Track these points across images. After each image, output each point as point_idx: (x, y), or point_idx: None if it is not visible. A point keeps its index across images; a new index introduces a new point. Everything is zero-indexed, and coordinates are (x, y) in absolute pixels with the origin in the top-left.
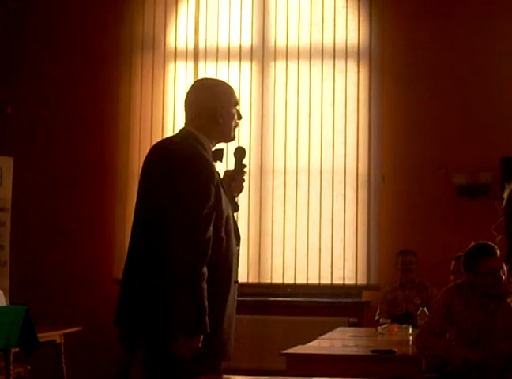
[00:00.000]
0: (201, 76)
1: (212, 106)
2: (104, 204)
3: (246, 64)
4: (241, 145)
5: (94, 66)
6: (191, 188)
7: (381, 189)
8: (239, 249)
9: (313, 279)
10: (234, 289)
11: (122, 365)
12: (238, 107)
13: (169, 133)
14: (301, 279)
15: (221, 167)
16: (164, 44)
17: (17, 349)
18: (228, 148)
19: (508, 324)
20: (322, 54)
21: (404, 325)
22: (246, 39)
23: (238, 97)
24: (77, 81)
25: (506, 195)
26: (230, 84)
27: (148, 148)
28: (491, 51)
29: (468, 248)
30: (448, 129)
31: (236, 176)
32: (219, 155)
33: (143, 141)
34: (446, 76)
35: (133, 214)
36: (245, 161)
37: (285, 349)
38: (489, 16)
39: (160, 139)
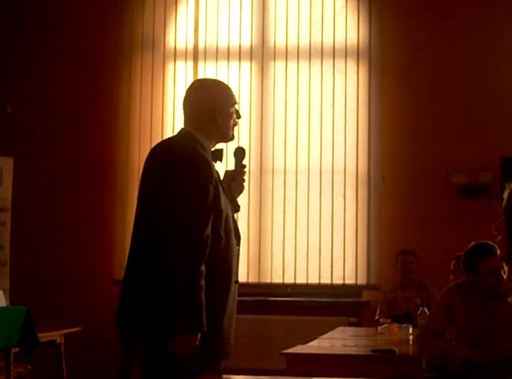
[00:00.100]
0: (200, 76)
1: (211, 106)
2: (104, 204)
3: (245, 64)
4: (241, 145)
5: (94, 66)
6: (190, 188)
7: (381, 189)
8: (239, 249)
9: (313, 279)
10: (234, 288)
11: (122, 365)
12: (236, 107)
13: (169, 132)
14: (301, 279)
15: (221, 167)
16: (164, 44)
17: (18, 349)
18: (228, 148)
19: (508, 323)
20: (322, 53)
21: (405, 325)
22: (246, 38)
23: (236, 97)
24: (77, 81)
25: (506, 195)
26: (229, 83)
27: (148, 148)
28: (491, 51)
29: (468, 248)
30: (448, 128)
31: (236, 176)
32: (218, 155)
33: (143, 141)
34: (445, 76)
35: (133, 213)
36: (245, 161)
37: (285, 349)
38: (489, 16)
39: (160, 139)
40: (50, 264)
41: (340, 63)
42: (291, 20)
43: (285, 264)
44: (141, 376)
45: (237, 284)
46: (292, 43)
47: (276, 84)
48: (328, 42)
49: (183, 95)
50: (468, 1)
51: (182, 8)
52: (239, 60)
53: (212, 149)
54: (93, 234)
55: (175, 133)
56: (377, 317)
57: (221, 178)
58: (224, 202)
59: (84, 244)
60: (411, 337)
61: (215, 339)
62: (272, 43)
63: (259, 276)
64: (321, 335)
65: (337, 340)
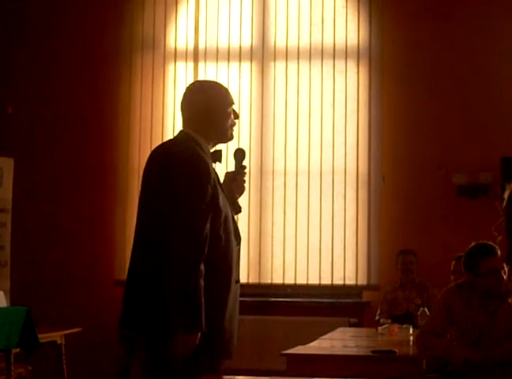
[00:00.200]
0: (201, 76)
1: (208, 107)
2: (104, 204)
3: (245, 64)
4: (241, 147)
5: (94, 67)
6: (188, 188)
7: (381, 190)
8: (239, 249)
9: (313, 280)
10: (235, 288)
11: (122, 365)
12: (234, 107)
13: (169, 133)
14: (301, 280)
15: (221, 169)
16: (164, 44)
17: (18, 350)
18: (228, 150)
19: (509, 324)
20: (322, 54)
21: (405, 325)
22: (246, 39)
23: (236, 97)
24: (77, 82)
25: (506, 195)
26: (229, 84)
27: (149, 148)
28: (491, 51)
29: (468, 248)
30: (448, 129)
31: (237, 177)
32: (218, 156)
33: (143, 142)
34: (445, 76)
35: (133, 214)
36: (245, 162)
37: (285, 349)
38: (489, 16)
39: (160, 139)
40: (51, 265)
41: (340, 63)
42: (292, 20)
43: (286, 265)
44: (141, 376)
45: (238, 284)
46: (292, 43)
47: (277, 84)
48: (328, 42)
49: (181, 97)
50: (468, 2)
51: (182, 8)
52: (240, 60)
53: (212, 150)
54: (93, 234)
55: (175, 133)
56: (377, 318)
57: (220, 178)
58: (223, 202)
59: (85, 244)
60: (411, 338)
61: (216, 339)
62: (273, 44)
63: (259, 277)
64: (321, 335)
65: (338, 341)
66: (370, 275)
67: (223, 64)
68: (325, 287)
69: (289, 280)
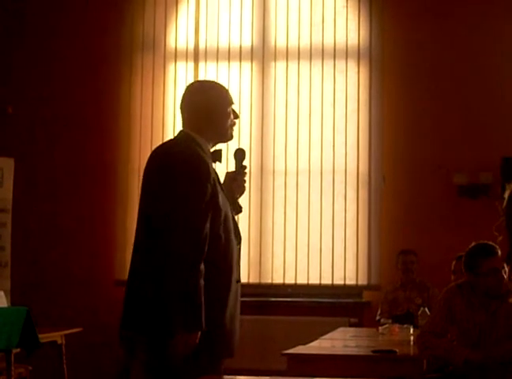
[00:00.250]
0: (201, 76)
1: (207, 107)
2: (105, 204)
3: (246, 64)
4: (241, 147)
5: (94, 67)
6: (187, 187)
7: (381, 189)
8: (239, 248)
9: (314, 280)
10: (236, 287)
11: (123, 365)
12: (233, 106)
13: (169, 133)
14: (302, 280)
15: (222, 169)
16: (165, 45)
17: (19, 350)
18: (229, 149)
19: (509, 324)
20: (323, 54)
21: (405, 325)
22: (247, 39)
23: (236, 97)
24: (77, 82)
25: (506, 195)
26: (230, 84)
27: (149, 148)
28: (492, 51)
29: (468, 248)
30: (448, 128)
31: (237, 177)
32: (218, 156)
33: (143, 142)
34: (446, 76)
35: (133, 214)
36: (245, 162)
37: (286, 349)
38: (489, 16)
39: (161, 139)
40: (51, 265)
41: (340, 63)
42: (292, 20)
43: (286, 265)
44: (142, 377)
45: (239, 283)
46: (293, 43)
47: (277, 84)
48: (328, 42)
49: (180, 97)
50: (468, 1)
51: (182, 8)
52: (240, 60)
53: (212, 150)
54: (94, 234)
55: (176, 133)
56: (378, 318)
57: (220, 178)
58: (223, 201)
59: (85, 245)
60: (412, 337)
61: (216, 338)
62: (273, 44)
63: (260, 277)
64: (322, 335)
65: (338, 341)
66: (371, 275)
67: (223, 64)
68: (326, 286)
69: (290, 280)
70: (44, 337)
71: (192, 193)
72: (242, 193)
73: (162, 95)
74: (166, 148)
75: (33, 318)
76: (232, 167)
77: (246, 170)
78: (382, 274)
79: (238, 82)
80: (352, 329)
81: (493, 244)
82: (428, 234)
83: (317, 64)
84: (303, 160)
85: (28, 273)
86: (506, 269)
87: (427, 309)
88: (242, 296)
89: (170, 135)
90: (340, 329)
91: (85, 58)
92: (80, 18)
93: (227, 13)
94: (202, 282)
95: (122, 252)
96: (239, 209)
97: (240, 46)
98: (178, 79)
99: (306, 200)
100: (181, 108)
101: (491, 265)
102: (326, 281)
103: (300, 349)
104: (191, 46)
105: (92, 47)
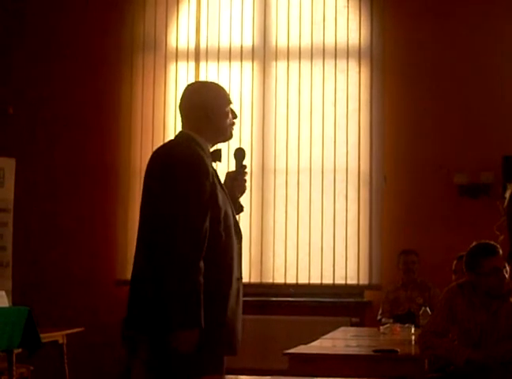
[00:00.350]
0: (202, 76)
1: (205, 107)
2: (106, 205)
3: (247, 64)
4: (241, 146)
5: (95, 67)
6: (187, 187)
7: (382, 189)
8: (240, 247)
9: (315, 279)
10: (237, 285)
11: (125, 365)
12: (231, 106)
13: (170, 133)
14: (303, 279)
15: (222, 168)
16: (165, 44)
17: (20, 350)
18: (229, 149)
19: (510, 323)
20: (324, 53)
21: (407, 325)
22: (248, 39)
23: (236, 97)
24: (78, 82)
25: (507, 194)
26: (231, 84)
27: (150, 148)
28: (493, 51)
29: (470, 247)
30: (449, 128)
31: (237, 176)
32: (217, 155)
33: (144, 142)
34: (447, 75)
35: (134, 214)
36: (246, 161)
37: (287, 349)
38: (490, 16)
39: (162, 139)
40: (52, 265)
41: (341, 63)
42: (293, 20)
43: (287, 264)
44: (143, 376)
45: (240, 281)
46: (294, 43)
47: (278, 84)
48: (329, 42)
49: (179, 99)
50: (469, 1)
51: (183, 8)
52: (241, 60)
53: (211, 149)
54: (95, 234)
55: (177, 133)
56: (379, 317)
57: (219, 176)
58: (223, 199)
59: (86, 245)
60: (413, 337)
61: (217, 335)
62: (274, 43)
63: (261, 276)
64: (323, 335)
65: (339, 340)
66: (372, 275)
67: (224, 64)
68: (327, 286)
69: (291, 280)
70: (45, 337)
71: (191, 192)
72: (243, 192)
73: (163, 94)
74: (166, 148)
75: (35, 318)
76: (233, 167)
77: (247, 170)
78: (383, 274)
79: (239, 82)
80: (353, 329)
81: (494, 243)
82: (429, 234)
83: (318, 63)
84: (304, 159)
85: (30, 273)
86: (508, 269)
87: (428, 309)
88: (243, 296)
89: (171, 135)
90: (342, 329)
91: (86, 58)
92: (80, 18)
93: (228, 12)
94: (201, 279)
95: (123, 252)
96: (240, 209)
97: (241, 46)
98: (179, 79)
99: (307, 200)
100: (180, 109)
101: (493, 265)
102: (328, 281)
103: (302, 349)
104: (192, 46)
105: (92, 47)
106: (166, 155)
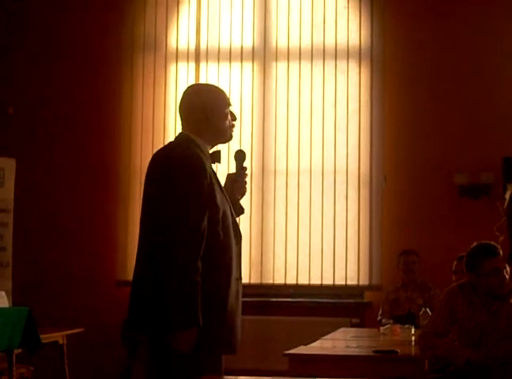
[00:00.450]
0: (202, 76)
1: (204, 109)
2: (106, 205)
3: (247, 65)
4: (241, 148)
5: (95, 67)
6: (185, 188)
7: (383, 190)
8: (240, 247)
9: (315, 280)
10: (236, 285)
11: (124, 365)
12: (231, 108)
13: (171, 133)
14: (303, 280)
15: (223, 170)
16: (166, 45)
17: (20, 350)
18: (230, 151)
19: (511, 324)
20: (324, 54)
21: (407, 326)
22: (248, 39)
23: (230, 98)
24: (78, 82)
25: (507, 195)
26: (231, 84)
27: (150, 149)
28: (493, 51)
29: (470, 248)
30: (450, 129)
31: (238, 178)
32: (217, 157)
33: (145, 142)
34: (447, 76)
35: (135, 214)
36: (246, 162)
37: (287, 349)
38: (490, 16)
39: (162, 139)
40: (53, 265)
41: (342, 64)
42: (293, 20)
43: (287, 265)
44: (143, 376)
45: (239, 281)
46: (294, 43)
47: (278, 84)
48: (330, 42)
49: (179, 101)
50: (469, 1)
51: (183, 9)
52: (241, 61)
53: (211, 151)
54: (95, 235)
55: (177, 134)
56: (379, 318)
57: (220, 178)
58: (221, 199)
59: (86, 245)
60: (413, 338)
61: (216, 335)
62: (274, 44)
63: (261, 277)
64: (323, 335)
65: (339, 341)
66: (372, 276)
67: (224, 64)
68: (327, 287)
69: (291, 280)
70: (46, 337)
71: (190, 194)
72: (243, 194)
73: (163, 95)
74: (166, 151)
75: (35, 318)
76: (233, 168)
77: (247, 171)
78: (383, 274)
79: (239, 82)
80: (353, 329)
81: (495, 244)
82: (429, 235)
83: (318, 64)
84: (304, 160)
85: (30, 273)
86: (508, 269)
87: (428, 310)
88: (243, 296)
89: (171, 135)
90: (342, 329)
91: (86, 58)
92: (80, 18)
93: (228, 13)
94: (199, 279)
95: (124, 252)
96: (240, 211)
97: (241, 47)
98: (179, 79)
99: (307, 201)
100: (179, 111)
101: (493, 265)
102: (328, 281)
103: (302, 349)
104: (192, 47)
105: (92, 47)
106: (165, 157)
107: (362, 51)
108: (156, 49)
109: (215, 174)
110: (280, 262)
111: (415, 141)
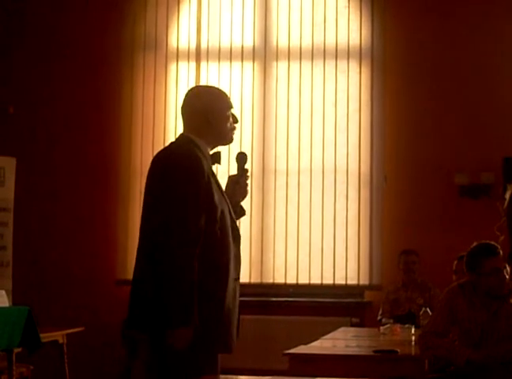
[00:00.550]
0: (203, 76)
1: (206, 110)
2: (106, 204)
3: (248, 64)
4: (243, 150)
5: (96, 67)
6: (183, 189)
7: (383, 189)
8: (239, 247)
9: (315, 279)
10: (234, 285)
11: (124, 365)
12: (232, 110)
13: (171, 133)
14: (303, 279)
15: (223, 171)
16: (166, 44)
17: (20, 349)
18: (230, 152)
19: (511, 324)
20: (324, 54)
21: (407, 325)
22: (248, 39)
23: (237, 98)
24: (78, 82)
25: (507, 195)
26: (231, 84)
27: (151, 148)
28: (493, 51)
29: (470, 248)
30: (450, 128)
31: (239, 180)
32: (217, 158)
33: (145, 142)
34: (447, 75)
35: (135, 214)
36: (247, 163)
37: (288, 349)
38: (491, 16)
39: (162, 139)
40: (53, 265)
41: (342, 63)
42: (294, 20)
43: (287, 265)
44: (143, 376)
45: (237, 281)
46: (295, 43)
47: (279, 84)
48: (330, 42)
49: (181, 102)
50: (469, 1)
51: (184, 8)
52: (242, 60)
53: (211, 152)
54: (95, 234)
55: (177, 133)
56: (379, 318)
57: (217, 177)
58: (219, 199)
59: (87, 244)
60: (413, 337)
61: (213, 334)
62: (275, 44)
63: (261, 276)
64: (323, 335)
65: (340, 341)
66: (372, 275)
67: (225, 64)
68: (327, 286)
69: (291, 280)
70: (46, 337)
71: (188, 195)
72: (244, 196)
73: (163, 94)
74: (166, 152)
75: (35, 318)
76: (232, 169)
77: (248, 174)
78: (383, 274)
79: (239, 82)
80: (353, 329)
81: (495, 244)
82: (430, 234)
83: (318, 64)
84: (304, 160)
85: (30, 273)
86: (508, 269)
87: (428, 310)
88: (243, 296)
89: (171, 135)
90: (342, 329)
91: (86, 57)
92: (80, 18)
93: (228, 12)
94: (194, 278)
95: (124, 251)
96: (242, 213)
97: (242, 46)
98: (179, 79)
99: (307, 200)
100: (181, 113)
101: (493, 265)
102: (328, 281)
103: (302, 349)
104: (193, 46)
105: (92, 47)
106: (165, 159)
107: (362, 51)
108: (156, 48)
109: (214, 174)
110: (280, 261)
111: (415, 141)
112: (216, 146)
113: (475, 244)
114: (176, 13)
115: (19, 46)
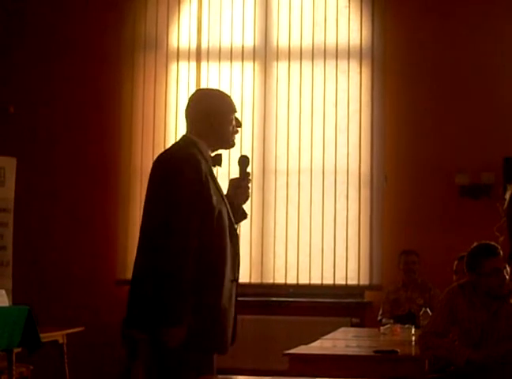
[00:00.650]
0: (203, 76)
1: (209, 114)
2: (107, 204)
3: (248, 64)
4: (244, 153)
5: (96, 67)
6: (180, 190)
7: (383, 189)
8: (238, 248)
9: (315, 280)
10: (230, 286)
11: (124, 365)
12: (236, 115)
13: (171, 133)
14: (303, 280)
15: (223, 172)
16: (167, 44)
17: (20, 349)
18: (231, 154)
19: (511, 324)
20: (325, 54)
21: (407, 326)
22: (249, 39)
23: (238, 99)
24: (79, 82)
25: (507, 196)
26: (232, 84)
27: (151, 148)
28: (493, 51)
29: (471, 248)
30: (450, 129)
31: (241, 183)
32: (218, 160)
33: (145, 142)
34: (448, 76)
35: (135, 214)
36: (248, 167)
37: (288, 349)
38: (491, 16)
39: (163, 139)
40: (53, 265)
41: (342, 63)
42: (294, 20)
43: (288, 265)
44: (143, 376)
45: (234, 282)
46: (295, 43)
47: (279, 84)
48: (331, 42)
49: (185, 105)
50: (470, 1)
51: (185, 8)
52: (242, 60)
53: (212, 154)
54: (95, 234)
55: (178, 133)
56: (379, 318)
57: (217, 178)
58: (217, 200)
59: (87, 245)
60: (413, 338)
61: (208, 334)
62: (275, 44)
63: (262, 277)
64: (323, 335)
65: (340, 341)
66: (373, 275)
67: (225, 64)
68: (328, 286)
69: (291, 280)
70: (46, 336)
71: (182, 196)
72: (246, 199)
73: (164, 94)
74: (167, 153)
75: (35, 317)
76: (232, 171)
77: (250, 177)
78: (383, 274)
79: (240, 82)
80: (353, 329)
81: (495, 244)
82: (430, 235)
83: (319, 64)
84: (304, 160)
85: (30, 272)
86: (508, 270)
87: (428, 310)
88: (243, 296)
89: (172, 135)
90: (342, 329)
91: (86, 57)
92: (80, 18)
93: (229, 12)
94: (189, 277)
95: (124, 251)
96: (243, 216)
97: (242, 46)
98: (180, 79)
99: (308, 200)
100: (185, 115)
101: (493, 265)
102: (328, 281)
103: (302, 349)
104: (193, 46)
105: (93, 47)
106: (164, 160)
107: (363, 51)
108: (157, 48)
109: (213, 175)
110: (280, 262)
111: (416, 141)
112: (218, 149)
113: (475, 244)
114: (177, 13)
115: (19, 46)
